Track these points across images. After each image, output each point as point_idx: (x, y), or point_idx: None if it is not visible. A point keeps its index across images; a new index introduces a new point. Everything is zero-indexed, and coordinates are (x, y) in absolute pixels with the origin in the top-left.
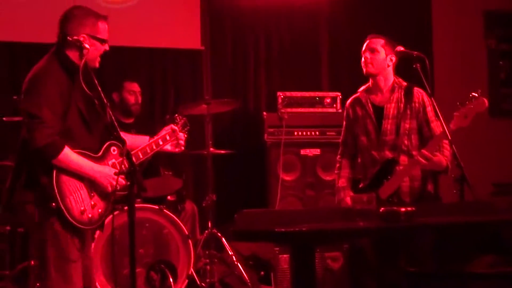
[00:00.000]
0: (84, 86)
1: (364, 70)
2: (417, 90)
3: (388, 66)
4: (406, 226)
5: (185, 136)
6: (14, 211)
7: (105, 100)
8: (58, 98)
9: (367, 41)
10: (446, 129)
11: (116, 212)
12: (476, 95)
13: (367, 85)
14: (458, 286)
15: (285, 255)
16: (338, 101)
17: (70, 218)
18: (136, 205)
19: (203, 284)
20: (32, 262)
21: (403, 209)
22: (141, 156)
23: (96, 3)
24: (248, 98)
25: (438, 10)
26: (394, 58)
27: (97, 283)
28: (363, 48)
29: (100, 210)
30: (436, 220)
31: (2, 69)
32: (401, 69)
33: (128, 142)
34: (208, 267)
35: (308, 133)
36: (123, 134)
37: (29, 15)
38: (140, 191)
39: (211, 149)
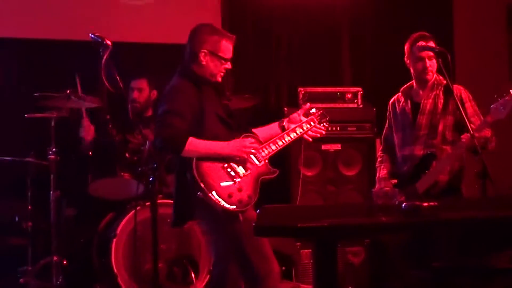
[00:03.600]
0: (106, 82)
1: (427, 77)
2: (456, 87)
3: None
4: (428, 221)
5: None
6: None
7: (126, 98)
8: (186, 107)
9: (426, 49)
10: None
11: (138, 208)
12: None
13: (410, 83)
14: (481, 281)
15: (306, 250)
16: (359, 96)
17: (219, 202)
18: (158, 201)
19: None
20: (55, 258)
21: (425, 204)
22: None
23: None
24: (269, 93)
25: (460, 3)
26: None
27: (119, 279)
28: (420, 54)
29: (248, 192)
30: (458, 215)
31: (24, 66)
32: None
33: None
34: None
35: (329, 128)
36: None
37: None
38: (162, 186)
39: None
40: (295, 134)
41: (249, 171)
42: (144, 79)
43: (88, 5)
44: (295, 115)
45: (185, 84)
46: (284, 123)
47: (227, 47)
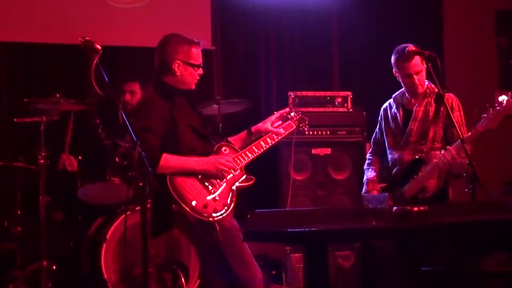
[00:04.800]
0: (95, 87)
1: (417, 92)
2: (448, 96)
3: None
4: (419, 226)
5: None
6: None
7: (116, 103)
8: (158, 122)
9: (411, 64)
10: (460, 133)
11: (128, 213)
12: (506, 97)
13: (402, 91)
14: (471, 285)
15: (296, 254)
16: (349, 100)
17: (194, 214)
18: (148, 206)
19: None
20: (44, 263)
21: (415, 209)
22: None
23: (104, 2)
24: (259, 98)
25: (450, 9)
26: (425, 65)
27: (108, 284)
28: (406, 69)
29: (223, 201)
30: (448, 219)
31: (14, 69)
32: None
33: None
34: None
35: (319, 132)
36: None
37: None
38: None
39: None
40: (271, 141)
41: (224, 181)
42: (137, 82)
43: (80, 9)
44: (267, 120)
45: (156, 97)
46: (251, 129)
47: (197, 54)
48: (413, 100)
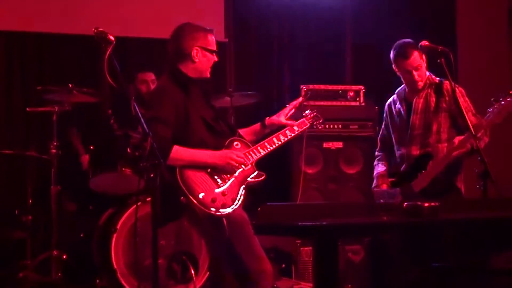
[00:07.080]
0: (108, 78)
1: (417, 87)
2: (446, 84)
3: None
4: (430, 221)
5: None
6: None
7: (129, 94)
8: (171, 113)
9: (410, 60)
10: (469, 123)
11: (138, 203)
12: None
13: (404, 85)
14: (480, 281)
15: (306, 248)
16: (361, 94)
17: (202, 207)
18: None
19: None
20: (55, 252)
21: (426, 204)
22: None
23: None
24: (271, 90)
25: (463, 5)
26: (424, 58)
27: (118, 274)
28: (405, 66)
29: (232, 196)
30: (459, 215)
31: (27, 59)
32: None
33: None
34: None
35: (331, 126)
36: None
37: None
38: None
39: None
40: (284, 138)
41: (234, 175)
42: (152, 72)
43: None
44: (281, 113)
45: (170, 86)
46: (265, 121)
47: (213, 40)
48: (414, 92)
